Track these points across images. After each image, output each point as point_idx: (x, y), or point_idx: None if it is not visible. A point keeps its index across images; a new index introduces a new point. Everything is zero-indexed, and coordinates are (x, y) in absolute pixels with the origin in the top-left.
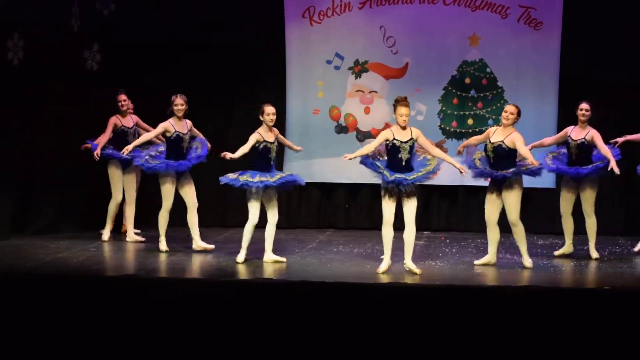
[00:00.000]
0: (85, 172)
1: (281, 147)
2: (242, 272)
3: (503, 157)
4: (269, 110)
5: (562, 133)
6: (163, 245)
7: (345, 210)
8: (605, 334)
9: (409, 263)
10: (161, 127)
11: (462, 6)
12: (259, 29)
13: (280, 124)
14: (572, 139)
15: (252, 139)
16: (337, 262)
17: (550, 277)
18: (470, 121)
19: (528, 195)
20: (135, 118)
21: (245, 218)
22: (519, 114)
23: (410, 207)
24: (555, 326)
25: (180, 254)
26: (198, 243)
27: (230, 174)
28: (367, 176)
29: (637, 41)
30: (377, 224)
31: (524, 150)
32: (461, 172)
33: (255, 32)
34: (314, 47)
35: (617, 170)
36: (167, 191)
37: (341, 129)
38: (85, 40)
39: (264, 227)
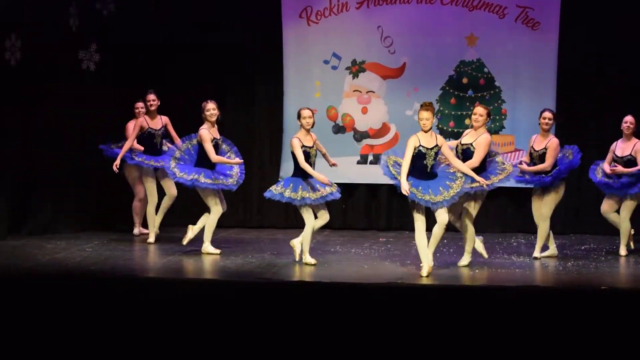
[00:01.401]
0: (83, 172)
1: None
2: (240, 273)
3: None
4: (306, 113)
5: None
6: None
7: (342, 210)
8: (602, 334)
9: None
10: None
11: (460, 6)
12: (256, 29)
13: (277, 124)
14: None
15: (296, 145)
16: (335, 263)
17: (545, 277)
18: (467, 121)
19: (527, 196)
20: (165, 119)
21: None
22: (488, 114)
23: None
24: (551, 326)
25: (178, 254)
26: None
27: (274, 188)
28: (364, 176)
29: (635, 41)
30: (374, 225)
31: (476, 157)
32: (483, 185)
33: (253, 32)
34: (311, 47)
35: None
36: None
37: (338, 129)
38: (83, 40)
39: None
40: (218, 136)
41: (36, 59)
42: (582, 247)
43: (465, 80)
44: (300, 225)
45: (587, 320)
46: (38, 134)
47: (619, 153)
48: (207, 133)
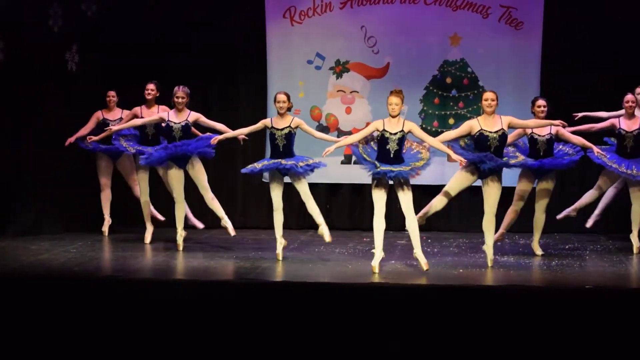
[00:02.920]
0: (67, 173)
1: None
2: (224, 273)
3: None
4: (279, 97)
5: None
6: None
7: (326, 210)
8: (587, 333)
9: (418, 253)
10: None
11: (443, 6)
12: (239, 29)
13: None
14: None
15: (261, 122)
16: (319, 263)
17: (530, 276)
18: (451, 121)
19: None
20: (162, 109)
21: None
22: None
23: (406, 197)
24: (535, 326)
25: (164, 254)
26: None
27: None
28: (348, 176)
29: (618, 41)
30: (357, 225)
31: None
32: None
33: (236, 32)
34: (295, 47)
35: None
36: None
37: (322, 129)
38: (65, 41)
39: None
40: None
41: (19, 60)
42: (566, 247)
43: (449, 80)
44: (284, 225)
45: (572, 319)
46: (21, 136)
47: (625, 127)
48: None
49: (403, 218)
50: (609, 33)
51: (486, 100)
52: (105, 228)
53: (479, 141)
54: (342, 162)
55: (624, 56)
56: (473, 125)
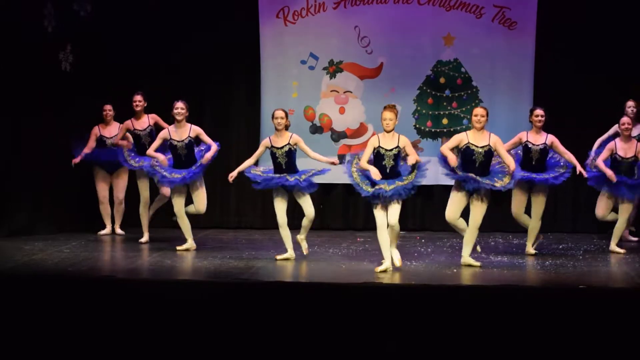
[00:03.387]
0: (60, 173)
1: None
2: (218, 273)
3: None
4: (276, 114)
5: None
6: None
7: (320, 210)
8: (580, 333)
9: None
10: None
11: (437, 6)
12: (233, 29)
13: (255, 124)
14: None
15: (262, 144)
16: (313, 263)
17: (524, 276)
18: (445, 121)
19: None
20: (152, 118)
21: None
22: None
23: (395, 209)
24: (529, 325)
25: (158, 254)
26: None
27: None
28: (341, 176)
29: (611, 40)
30: (351, 225)
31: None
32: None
33: (230, 32)
34: (289, 48)
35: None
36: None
37: (316, 129)
38: (59, 41)
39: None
40: (179, 138)
41: (13, 60)
42: (560, 246)
43: (442, 80)
44: (276, 225)
45: (565, 319)
46: (15, 136)
47: (621, 154)
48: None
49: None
50: (602, 32)
51: (476, 115)
52: (103, 232)
53: (465, 154)
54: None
55: (617, 55)
56: (462, 138)
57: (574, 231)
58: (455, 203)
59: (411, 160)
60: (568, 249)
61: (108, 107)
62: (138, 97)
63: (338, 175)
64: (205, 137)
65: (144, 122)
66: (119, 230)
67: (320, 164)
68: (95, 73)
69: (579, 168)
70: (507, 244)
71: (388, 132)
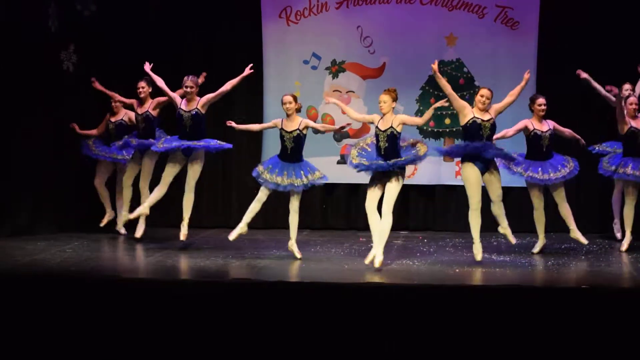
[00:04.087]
0: (62, 172)
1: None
2: (220, 273)
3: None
4: (285, 99)
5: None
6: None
7: (322, 210)
8: (582, 333)
9: (378, 253)
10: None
11: (439, 6)
12: (235, 28)
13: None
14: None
15: (272, 121)
16: (315, 263)
17: (528, 275)
18: (447, 120)
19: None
20: (154, 101)
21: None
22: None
23: (391, 191)
24: (531, 325)
25: (160, 254)
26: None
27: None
28: (344, 176)
29: (614, 40)
30: (353, 224)
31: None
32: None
33: (232, 32)
34: (291, 47)
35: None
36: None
37: (318, 129)
38: (62, 41)
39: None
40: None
41: (16, 59)
42: (562, 246)
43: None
44: (278, 225)
45: (568, 319)
46: (16, 135)
47: (636, 125)
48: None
49: (399, 216)
50: (604, 33)
51: (482, 96)
52: (105, 221)
53: (471, 128)
54: (338, 162)
55: (619, 56)
56: (467, 112)
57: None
58: (471, 180)
59: (423, 120)
60: (570, 248)
61: (141, 84)
62: (142, 84)
63: (340, 175)
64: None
65: (145, 107)
66: (122, 231)
67: (322, 165)
68: (97, 73)
69: (582, 141)
70: (509, 244)
71: (384, 114)
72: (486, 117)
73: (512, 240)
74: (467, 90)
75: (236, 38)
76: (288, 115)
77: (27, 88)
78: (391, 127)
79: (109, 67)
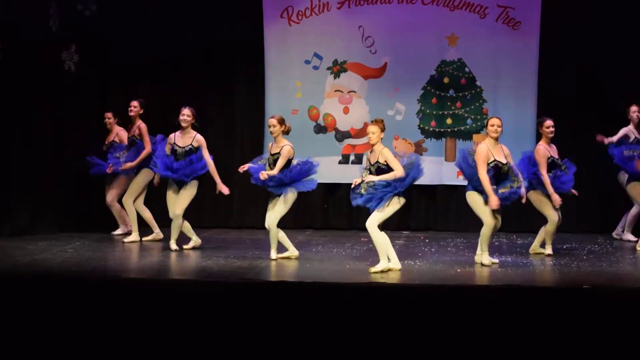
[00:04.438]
0: (62, 173)
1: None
2: (221, 273)
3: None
4: (269, 122)
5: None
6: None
7: (324, 210)
8: (584, 333)
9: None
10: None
11: (441, 6)
12: (237, 28)
13: (258, 124)
14: None
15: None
16: (317, 263)
17: (530, 275)
18: (449, 121)
19: None
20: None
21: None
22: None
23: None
24: (533, 325)
25: (162, 254)
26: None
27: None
28: (345, 176)
29: (615, 40)
30: (354, 225)
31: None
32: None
33: (234, 31)
34: (293, 47)
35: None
36: None
37: (320, 129)
38: (63, 41)
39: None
40: (181, 144)
41: (16, 60)
42: (564, 246)
43: (446, 80)
44: (280, 225)
45: (570, 319)
46: (16, 135)
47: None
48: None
49: (399, 219)
50: (605, 33)
51: (492, 125)
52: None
53: (493, 170)
54: (340, 162)
55: (620, 56)
56: (488, 155)
57: (578, 231)
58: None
59: (390, 175)
60: (572, 249)
61: (108, 114)
62: (134, 103)
63: (342, 175)
64: (205, 151)
65: (133, 129)
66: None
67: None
68: (98, 73)
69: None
70: (511, 244)
71: (372, 145)
72: (503, 159)
73: (489, 262)
74: (469, 90)
75: (237, 38)
76: (275, 138)
77: (28, 88)
78: (377, 162)
79: (109, 67)
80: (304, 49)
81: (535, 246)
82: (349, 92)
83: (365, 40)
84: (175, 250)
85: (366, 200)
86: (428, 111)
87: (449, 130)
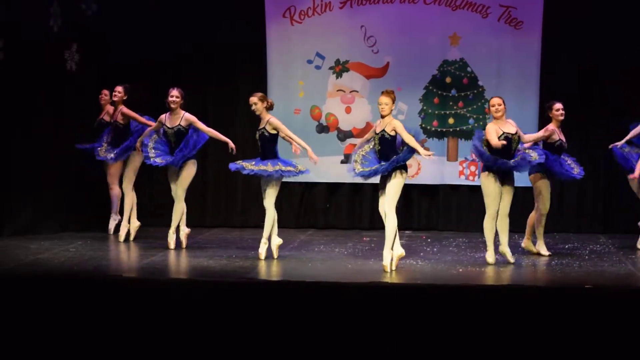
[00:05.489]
0: (63, 171)
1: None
2: (223, 272)
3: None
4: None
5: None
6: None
7: (326, 210)
8: (586, 333)
9: (386, 253)
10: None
11: (443, 5)
12: (239, 28)
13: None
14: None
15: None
16: (319, 262)
17: (531, 275)
18: (451, 120)
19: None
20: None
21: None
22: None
23: (390, 190)
24: (535, 325)
25: (163, 253)
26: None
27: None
28: (347, 176)
29: (617, 40)
30: (357, 224)
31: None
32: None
33: (236, 31)
34: (295, 47)
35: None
36: None
37: (322, 129)
38: (64, 40)
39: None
40: (170, 124)
41: (17, 59)
42: (566, 246)
43: (448, 80)
44: (282, 224)
45: (571, 319)
46: (17, 135)
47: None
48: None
49: (403, 216)
50: (608, 32)
51: (493, 106)
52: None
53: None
54: (342, 162)
55: (622, 55)
56: (496, 129)
57: (580, 231)
58: (491, 193)
59: (407, 141)
60: (574, 248)
61: (104, 91)
62: (118, 88)
63: (344, 175)
64: (200, 125)
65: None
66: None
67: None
68: (98, 72)
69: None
70: (512, 244)
71: (383, 116)
72: (379, 129)
73: (511, 259)
74: (471, 89)
75: (240, 38)
76: (260, 115)
77: (28, 88)
78: (383, 130)
79: (109, 66)
80: (306, 49)
81: (527, 241)
82: (351, 92)
83: (367, 40)
84: (172, 248)
85: (373, 173)
86: (430, 111)
87: (451, 130)
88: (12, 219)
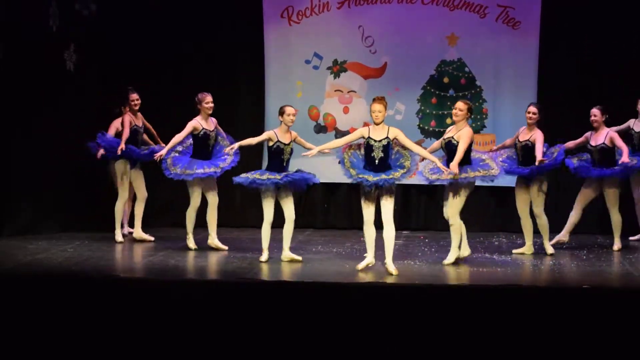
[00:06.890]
0: (62, 172)
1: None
2: (222, 273)
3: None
4: (289, 111)
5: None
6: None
7: (324, 210)
8: (583, 333)
9: (388, 263)
10: (190, 126)
11: (441, 6)
12: (237, 28)
13: (259, 124)
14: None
15: (265, 135)
16: (317, 262)
17: (527, 276)
18: (449, 120)
19: (509, 194)
20: (141, 117)
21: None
22: (469, 109)
23: (388, 206)
24: (532, 325)
25: (162, 254)
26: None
27: (243, 174)
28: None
29: (615, 40)
30: (355, 224)
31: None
32: (444, 172)
33: (234, 31)
34: (293, 47)
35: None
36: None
37: (320, 129)
38: (64, 40)
39: (281, 226)
40: (211, 127)
41: (16, 59)
42: (564, 246)
43: (446, 80)
44: (280, 224)
45: (568, 318)
46: (16, 135)
47: (592, 143)
48: (196, 123)
49: (400, 216)
50: (605, 31)
51: (455, 109)
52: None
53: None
54: (340, 162)
55: (620, 54)
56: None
57: (577, 231)
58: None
59: (417, 151)
60: (572, 248)
61: (134, 96)
62: (135, 96)
63: (342, 175)
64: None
65: (139, 118)
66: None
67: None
68: (98, 73)
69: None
70: (511, 244)
71: (377, 124)
72: (380, 136)
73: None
74: (469, 90)
75: (238, 38)
76: (287, 126)
77: (28, 88)
78: (387, 137)
79: (110, 66)
80: (304, 49)
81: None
82: (349, 92)
83: (365, 40)
84: (195, 248)
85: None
86: (428, 111)
87: None
88: (12, 219)
